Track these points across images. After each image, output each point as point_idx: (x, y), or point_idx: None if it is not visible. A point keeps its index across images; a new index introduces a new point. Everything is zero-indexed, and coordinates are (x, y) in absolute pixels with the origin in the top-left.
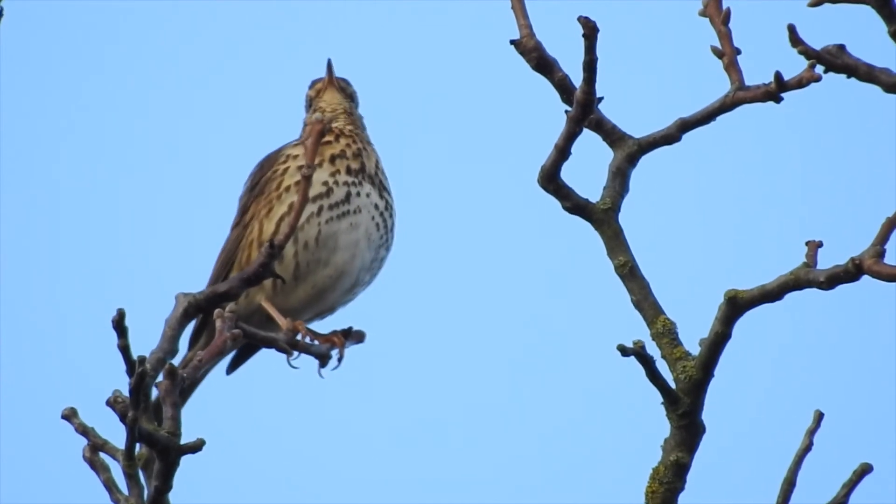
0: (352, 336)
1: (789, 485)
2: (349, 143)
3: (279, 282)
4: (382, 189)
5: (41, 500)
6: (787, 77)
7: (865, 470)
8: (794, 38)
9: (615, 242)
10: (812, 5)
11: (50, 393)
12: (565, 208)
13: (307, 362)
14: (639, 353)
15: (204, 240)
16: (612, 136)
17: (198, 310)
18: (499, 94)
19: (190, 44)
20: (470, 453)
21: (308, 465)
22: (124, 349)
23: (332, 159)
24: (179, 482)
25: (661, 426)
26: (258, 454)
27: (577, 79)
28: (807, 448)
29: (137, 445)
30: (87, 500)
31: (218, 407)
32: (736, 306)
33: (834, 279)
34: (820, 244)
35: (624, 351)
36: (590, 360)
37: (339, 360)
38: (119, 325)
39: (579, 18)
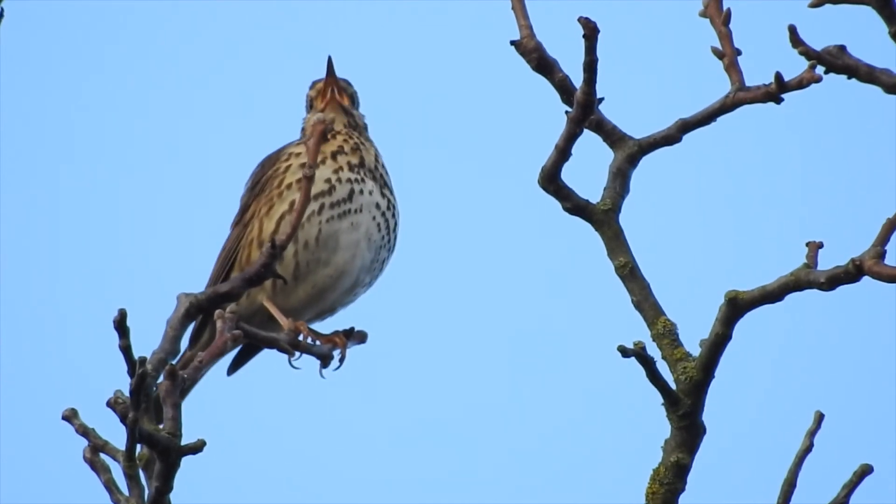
0: (353, 336)
1: (790, 486)
2: (346, 140)
3: (280, 281)
4: (384, 185)
5: (42, 501)
6: (787, 78)
7: (866, 471)
8: (795, 39)
9: (615, 243)
10: (813, 6)
11: (50, 394)
12: (566, 209)
13: (309, 363)
14: (639, 354)
15: (205, 239)
16: (612, 136)
17: (199, 310)
18: (499, 94)
19: (190, 44)
20: (470, 453)
21: (309, 465)
22: (125, 349)
23: (334, 156)
24: (180, 483)
25: (661, 427)
26: (259, 455)
27: (577, 79)
28: (807, 449)
29: (138, 446)
30: (87, 500)
31: (219, 407)
32: (736, 307)
33: (834, 280)
34: (820, 245)
35: (624, 352)
36: (590, 360)
37: (341, 360)
38: (120, 325)
39: (580, 19)
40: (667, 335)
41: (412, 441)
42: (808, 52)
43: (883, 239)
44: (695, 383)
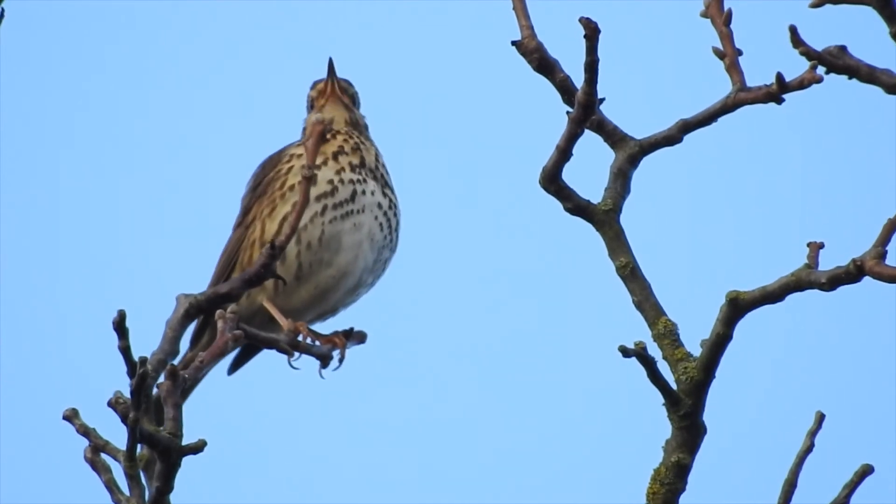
0: (353, 337)
1: (790, 486)
2: (346, 139)
3: (281, 282)
4: (385, 185)
5: (42, 501)
6: (788, 78)
7: (866, 471)
8: (796, 39)
9: (616, 243)
10: (813, 6)
11: (51, 394)
12: (566, 209)
13: (308, 363)
14: (640, 354)
15: (205, 240)
16: (613, 137)
17: (199, 311)
18: (500, 95)
19: (190, 44)
20: (470, 453)
21: (308, 465)
22: (125, 350)
23: (335, 156)
24: (181, 483)
25: (662, 427)
26: (259, 455)
27: (578, 80)
28: (808, 449)
29: (139, 446)
30: (88, 500)
31: (219, 408)
32: (737, 307)
33: (835, 280)
34: (821, 245)
35: (625, 352)
36: (591, 360)
37: (340, 360)
38: (120, 326)
39: (581, 19)
40: (668, 335)
41: (412, 441)
42: (808, 53)
43: (884, 239)
44: (695, 383)
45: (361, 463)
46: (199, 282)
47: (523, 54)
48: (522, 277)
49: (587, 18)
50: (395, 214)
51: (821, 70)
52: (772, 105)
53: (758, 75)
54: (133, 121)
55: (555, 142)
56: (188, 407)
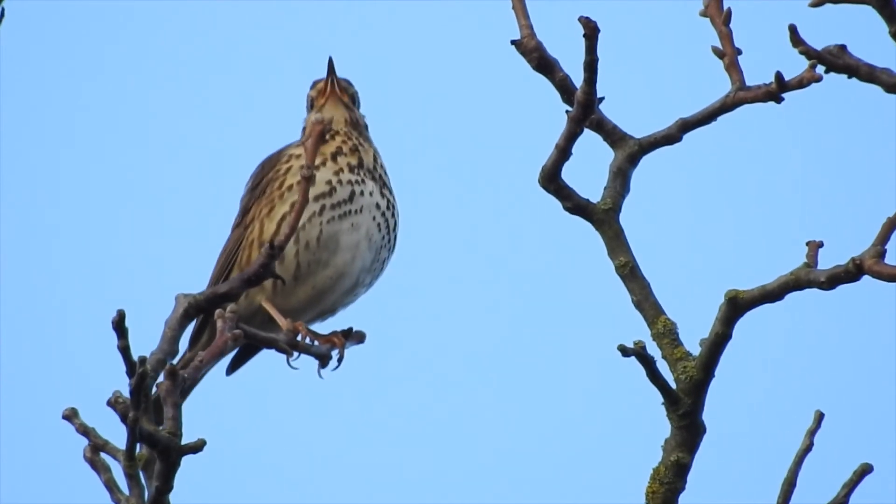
0: (352, 337)
1: (790, 485)
2: (344, 140)
3: (279, 282)
4: (383, 186)
5: (42, 501)
6: (788, 77)
7: (866, 470)
8: (795, 39)
9: (616, 243)
10: (813, 5)
11: (50, 393)
12: (566, 208)
13: (307, 363)
14: (639, 353)
15: (205, 240)
16: (612, 136)
17: (198, 310)
18: (500, 94)
19: (190, 44)
20: (469, 453)
21: (308, 465)
22: (124, 350)
23: (334, 157)
24: (180, 482)
25: (661, 426)
26: (258, 454)
27: (577, 79)
28: (807, 448)
29: (138, 446)
30: (88, 500)
31: (218, 407)
32: (736, 306)
33: (834, 279)
34: (820, 244)
35: (625, 351)
36: (590, 360)
37: (339, 360)
38: (119, 325)
39: (580, 19)
40: (667, 334)
41: (411, 441)
42: (808, 52)
43: (883, 238)
44: (695, 383)
45: (361, 463)
46: (199, 281)
47: (523, 53)
48: (522, 277)
49: (586, 18)
50: (394, 215)
51: (820, 69)
52: (771, 104)
53: (757, 74)
54: (133, 120)
55: (554, 141)
56: (188, 407)
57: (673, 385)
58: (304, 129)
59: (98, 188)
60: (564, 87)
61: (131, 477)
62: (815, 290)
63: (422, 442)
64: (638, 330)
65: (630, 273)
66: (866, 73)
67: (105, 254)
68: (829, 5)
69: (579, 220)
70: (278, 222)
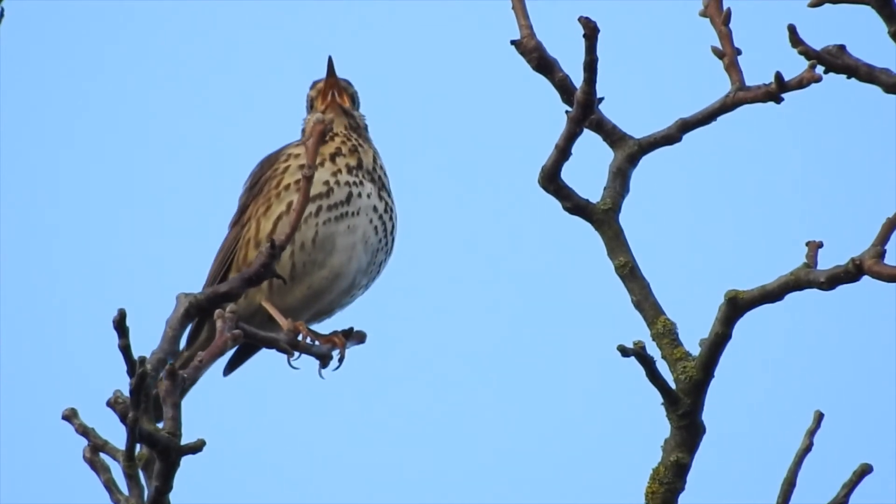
0: (353, 337)
1: (789, 485)
2: (344, 141)
3: (277, 282)
4: (382, 188)
5: (42, 501)
6: (787, 77)
7: (865, 470)
8: (795, 39)
9: (615, 243)
10: (812, 6)
11: (50, 393)
12: (566, 209)
13: (308, 363)
14: (639, 353)
15: (205, 240)
16: (612, 136)
17: (199, 310)
18: (499, 94)
19: (190, 44)
20: (469, 453)
21: (308, 465)
22: (125, 349)
23: (333, 158)
24: (180, 483)
25: (661, 426)
26: (258, 455)
27: (577, 79)
28: (807, 448)
29: (138, 446)
30: (87, 500)
31: (218, 407)
32: (736, 307)
33: (834, 279)
34: (820, 244)
35: (624, 351)
36: (590, 360)
37: (340, 360)
38: (120, 325)
39: (580, 19)
40: (666, 335)
41: (411, 441)
42: (807, 52)
43: (883, 238)
44: (694, 383)
45: (361, 463)
46: (199, 281)
47: (522, 54)
48: (522, 277)
49: (586, 18)
50: (392, 218)
51: (820, 69)
52: (771, 104)
53: (757, 74)
54: (133, 121)
55: (554, 141)
56: (187, 407)
57: (673, 385)
58: (304, 129)
59: (98, 188)
60: (564, 88)
61: (131, 477)
62: (815, 291)
63: (422, 442)
64: (638, 330)
65: (630, 273)
66: (866, 74)
67: (105, 254)
68: (828, 5)
69: (579, 220)
70: (274, 221)
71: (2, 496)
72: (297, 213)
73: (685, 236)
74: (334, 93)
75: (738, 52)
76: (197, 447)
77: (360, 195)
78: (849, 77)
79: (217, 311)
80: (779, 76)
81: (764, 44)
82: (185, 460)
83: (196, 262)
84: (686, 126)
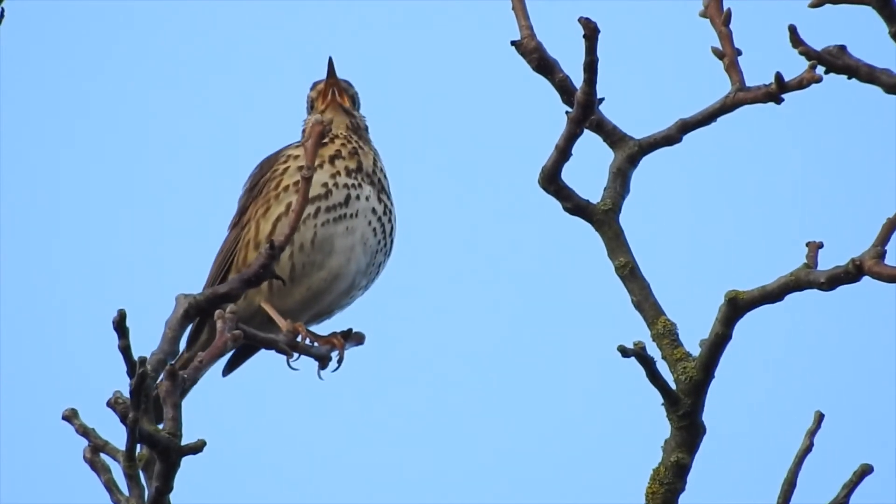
0: (352, 338)
1: (790, 485)
2: (344, 144)
3: (276, 283)
4: (381, 190)
5: (42, 501)
6: (787, 78)
7: (866, 471)
8: (795, 39)
9: (616, 243)
10: (813, 6)
11: (50, 394)
12: (566, 209)
13: (307, 364)
14: (639, 353)
15: (204, 240)
16: (612, 136)
17: (198, 311)
18: (499, 94)
19: (190, 44)
20: (469, 453)
21: (307, 465)
22: (125, 350)
23: (332, 160)
24: (180, 483)
25: (661, 427)
26: (258, 455)
27: (577, 80)
28: (807, 449)
29: (138, 446)
30: (87, 500)
31: (218, 407)
32: (736, 307)
33: (834, 280)
34: (820, 245)
35: (624, 352)
36: (590, 360)
37: (339, 361)
38: (120, 325)
39: (580, 19)
40: (667, 335)
41: (411, 441)
42: (808, 52)
43: (883, 239)
44: (695, 383)
45: (360, 463)
46: (199, 282)
47: (523, 54)
48: (522, 277)
49: (586, 18)
50: (391, 220)
51: (820, 70)
52: (771, 105)
53: (757, 75)
54: (133, 121)
55: (554, 141)
56: (187, 407)
57: (673, 385)
58: (304, 129)
59: (98, 188)
60: (564, 88)
61: (131, 477)
62: (814, 291)
63: (422, 442)
64: (638, 330)
65: (630, 273)
66: (866, 74)
67: (105, 254)
68: (828, 6)
69: (579, 221)
70: (273, 223)
71: (2, 496)
72: (296, 213)
73: (685, 236)
74: (335, 92)
75: (739, 52)
76: (197, 447)
77: (358, 197)
78: (849, 77)
79: (217, 312)
80: (779, 76)
81: (764, 44)
82: (186, 461)
83: (196, 263)
84: (686, 126)
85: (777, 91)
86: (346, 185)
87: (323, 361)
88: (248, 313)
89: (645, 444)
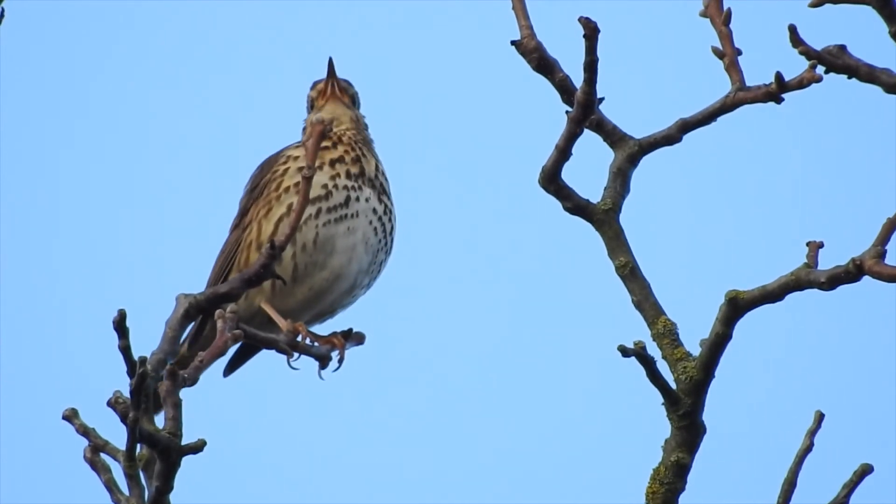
0: (352, 338)
1: (790, 485)
2: (347, 150)
3: (278, 283)
4: (382, 193)
5: (42, 501)
6: (787, 77)
7: (866, 470)
8: (795, 39)
9: (616, 243)
10: (813, 6)
11: (51, 393)
12: (566, 209)
13: (307, 364)
14: (640, 353)
15: (205, 240)
16: (612, 136)
17: (199, 311)
18: (499, 94)
19: (190, 44)
20: (469, 454)
21: (308, 465)
22: (125, 350)
23: (332, 163)
24: (180, 483)
25: (661, 427)
26: (259, 455)
27: (577, 79)
28: (807, 448)
29: (138, 446)
30: (88, 500)
31: (218, 407)
32: (737, 307)
33: (835, 280)
34: (821, 245)
35: (625, 352)
36: (590, 360)
37: (339, 361)
38: (120, 325)
39: (580, 19)
40: (667, 335)
41: (411, 441)
42: (808, 52)
43: (883, 238)
44: (695, 383)
45: (360, 463)
46: (199, 282)
47: (523, 54)
48: (522, 277)
49: (586, 18)
50: (391, 220)
51: (820, 69)
52: (771, 104)
53: (757, 75)
54: (133, 121)
55: (554, 141)
56: (187, 407)
57: (673, 385)
58: (305, 129)
59: (98, 188)
60: (564, 88)
61: (131, 477)
62: (815, 291)
63: (422, 442)
64: (638, 330)
65: (630, 273)
66: (866, 74)
67: (105, 254)
68: (828, 5)
69: (579, 221)
70: (275, 223)
71: (2, 496)
72: (296, 213)
73: (685, 236)
74: (335, 88)
75: (739, 52)
76: (197, 447)
77: (358, 199)
78: (849, 77)
79: (217, 311)
80: (779, 76)
81: (764, 44)
82: (186, 460)
83: (196, 263)
84: (686, 126)
85: (777, 91)
86: (345, 187)
87: (323, 361)
88: (248, 314)
89: (645, 444)
